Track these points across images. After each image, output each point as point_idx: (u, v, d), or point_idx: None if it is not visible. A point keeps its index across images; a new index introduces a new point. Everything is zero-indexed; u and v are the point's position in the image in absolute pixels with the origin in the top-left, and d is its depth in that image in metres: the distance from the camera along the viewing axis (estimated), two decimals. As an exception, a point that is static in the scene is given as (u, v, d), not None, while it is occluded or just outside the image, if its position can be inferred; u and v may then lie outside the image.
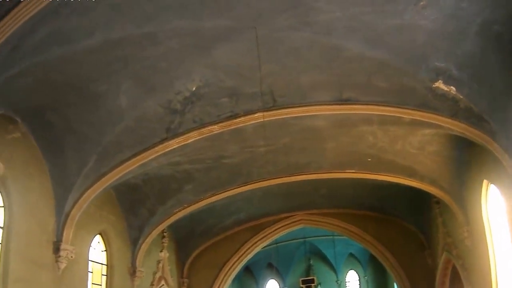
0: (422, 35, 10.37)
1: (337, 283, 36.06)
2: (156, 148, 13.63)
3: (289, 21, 10.35)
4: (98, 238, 17.22)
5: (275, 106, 13.36)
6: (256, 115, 13.53)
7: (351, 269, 36.72)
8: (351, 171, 17.64)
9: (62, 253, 14.46)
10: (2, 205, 13.68)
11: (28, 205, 14.10)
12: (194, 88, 12.55)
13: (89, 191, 14.36)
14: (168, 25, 10.52)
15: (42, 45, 10.29)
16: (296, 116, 13.74)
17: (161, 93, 12.48)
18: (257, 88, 12.67)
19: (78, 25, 10.01)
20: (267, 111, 13.41)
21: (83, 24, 10.03)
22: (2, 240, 13.42)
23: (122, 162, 13.94)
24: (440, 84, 11.47)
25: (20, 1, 8.92)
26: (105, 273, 17.45)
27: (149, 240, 18.18)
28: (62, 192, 14.53)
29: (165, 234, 19.45)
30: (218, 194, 17.58)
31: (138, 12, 10.05)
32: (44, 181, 14.53)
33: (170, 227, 18.82)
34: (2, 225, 13.59)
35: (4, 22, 9.25)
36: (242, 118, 13.57)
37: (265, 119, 13.56)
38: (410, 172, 16.53)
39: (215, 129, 13.47)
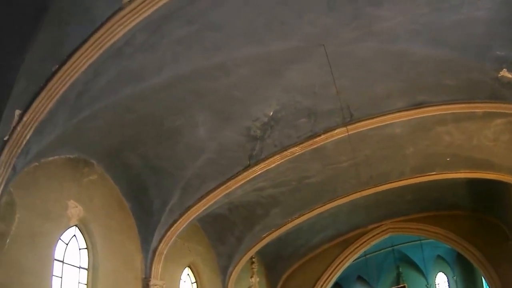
0: (480, 26, 10.01)
1: (427, 287, 35.31)
2: (240, 176, 13.69)
3: (354, 33, 10.21)
4: (187, 270, 17.34)
5: (352, 120, 13.23)
6: (336, 131, 13.39)
7: (439, 271, 35.81)
8: (432, 173, 17.33)
9: (151, 288, 14.55)
10: (85, 246, 13.92)
11: (112, 245, 14.29)
12: (271, 113, 12.50)
13: (175, 225, 14.54)
14: (237, 53, 10.54)
15: (110, 87, 10.48)
16: (374, 127, 13.54)
17: (239, 121, 12.48)
18: (334, 104, 12.57)
19: (145, 63, 10.11)
20: (347, 125, 13.29)
21: (149, 62, 10.12)
22: (87, 281, 13.68)
23: (207, 193, 14.07)
24: (505, 73, 11.08)
25: (79, 48, 9.17)
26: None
27: (238, 267, 18.23)
28: (147, 229, 14.73)
29: (253, 259, 19.38)
30: (304, 214, 17.44)
31: (204, 44, 10.09)
32: (126, 220, 14.77)
33: (258, 251, 18.72)
34: (87, 266, 13.82)
35: (65, 70, 9.55)
36: (322, 136, 13.44)
37: (349, 133, 13.45)
38: (488, 165, 16.08)
39: (297, 150, 13.37)
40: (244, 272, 18.99)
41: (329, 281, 22.77)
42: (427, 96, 12.57)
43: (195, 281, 17.74)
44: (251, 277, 19.55)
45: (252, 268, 19.56)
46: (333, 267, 22.49)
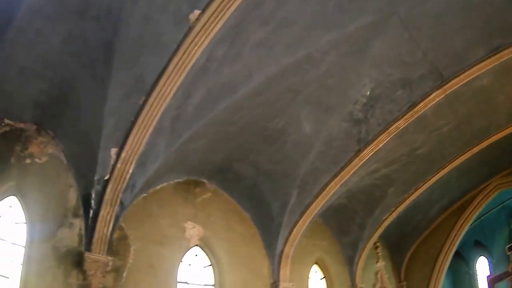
0: None
1: (536, 240, 33.76)
2: (353, 163, 13.39)
3: (419, -9, 9.98)
4: (315, 267, 17.20)
5: (443, 80, 12.72)
6: (432, 96, 12.88)
7: (547, 221, 34.31)
8: (524, 117, 16.42)
9: (281, 292, 14.54)
10: (210, 264, 14.16)
11: (237, 257, 14.46)
12: (368, 92, 12.24)
13: (297, 226, 14.50)
14: (319, 42, 10.43)
15: (203, 105, 10.61)
16: (464, 83, 12.94)
17: (340, 108, 12.29)
18: (423, 69, 12.21)
19: (233, 74, 10.13)
20: (440, 87, 12.78)
21: (237, 71, 10.13)
22: None
23: (324, 187, 13.88)
24: None
25: (161, 76, 9.34)
26: (327, 299, 17.41)
27: (364, 255, 17.95)
28: (270, 234, 14.82)
29: (377, 244, 19.01)
30: (419, 187, 16.80)
31: (284, 41, 10.06)
32: (248, 230, 14.99)
33: (380, 235, 18.27)
34: (213, 283, 14.11)
35: (152, 101, 9.79)
36: (421, 104, 12.94)
37: (444, 95, 12.93)
38: None
39: (401, 124, 12.94)
40: (369, 258, 18.57)
41: (450, 251, 21.95)
42: (501, 39, 12.00)
43: (323, 276, 17.54)
44: (377, 262, 19.12)
45: (377, 253, 19.09)
46: (452, 237, 21.62)
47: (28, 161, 11.38)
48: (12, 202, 11.60)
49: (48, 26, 8.86)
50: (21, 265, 11.30)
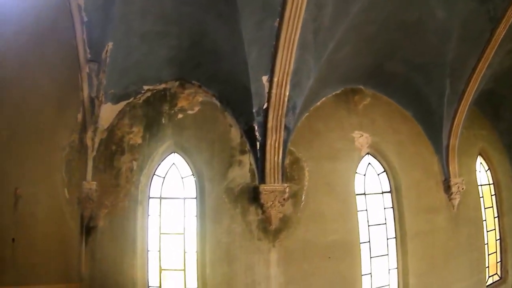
0: None
1: None
2: (492, 43, 12.58)
3: None
4: (479, 159, 16.55)
5: None
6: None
7: None
8: None
9: (453, 189, 14.23)
10: (383, 170, 13.97)
11: (409, 159, 14.14)
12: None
13: (457, 115, 13.94)
14: None
15: (338, 11, 10.41)
16: None
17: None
18: None
19: None
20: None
21: None
22: (392, 203, 13.75)
23: (473, 71, 13.17)
24: None
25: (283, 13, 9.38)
26: (493, 193, 16.84)
27: (521, 140, 17.21)
28: (434, 129, 14.35)
29: (529, 127, 18.45)
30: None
31: None
32: (412, 129, 14.56)
33: (527, 117, 17.62)
34: (389, 189, 13.78)
35: (288, 19, 9.65)
36: None
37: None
38: None
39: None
40: (524, 144, 17.89)
41: None
42: None
43: (488, 168, 16.91)
44: (532, 149, 18.53)
45: (530, 137, 18.49)
46: None
47: (180, 116, 11.69)
48: (175, 159, 11.86)
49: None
50: (196, 217, 11.63)
